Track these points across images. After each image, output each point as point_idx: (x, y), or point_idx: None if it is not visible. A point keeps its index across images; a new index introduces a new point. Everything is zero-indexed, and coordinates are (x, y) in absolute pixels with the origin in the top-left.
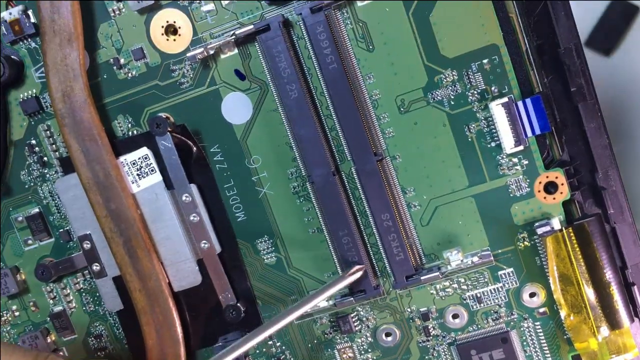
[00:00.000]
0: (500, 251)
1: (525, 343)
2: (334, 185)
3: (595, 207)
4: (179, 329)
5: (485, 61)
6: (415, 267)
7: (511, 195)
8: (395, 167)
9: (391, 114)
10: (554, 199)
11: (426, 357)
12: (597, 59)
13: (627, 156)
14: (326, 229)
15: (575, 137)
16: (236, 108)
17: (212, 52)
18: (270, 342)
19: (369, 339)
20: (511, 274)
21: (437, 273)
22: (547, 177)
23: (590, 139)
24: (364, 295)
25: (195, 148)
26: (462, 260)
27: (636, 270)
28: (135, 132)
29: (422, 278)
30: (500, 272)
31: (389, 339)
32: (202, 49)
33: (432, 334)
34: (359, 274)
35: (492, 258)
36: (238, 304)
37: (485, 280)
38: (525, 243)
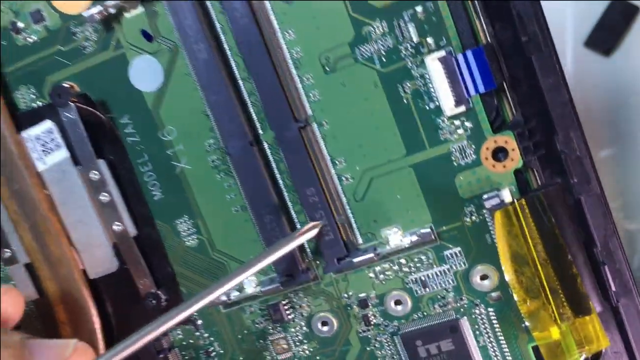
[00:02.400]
0: (445, 228)
1: (477, 332)
2: (252, 157)
3: (555, 175)
4: (96, 319)
5: (419, 9)
6: (349, 248)
7: (455, 163)
8: (322, 135)
9: (315, 74)
10: (504, 166)
11: (367, 348)
12: (597, 59)
13: (627, 156)
14: (248, 207)
15: (529, 95)
16: (145, 73)
17: (113, 11)
18: (197, 334)
19: (304, 328)
20: (459, 254)
21: (372, 254)
22: (496, 141)
23: (547, 95)
24: (291, 281)
25: (103, 120)
26: (401, 240)
27: (605, 247)
28: (39, 104)
29: (355, 260)
30: (446, 252)
31: (326, 328)
32: (101, 8)
33: (372, 322)
34: (311, 233)
35: (433, 236)
36: (158, 292)
37: (430, 261)
38: (473, 218)
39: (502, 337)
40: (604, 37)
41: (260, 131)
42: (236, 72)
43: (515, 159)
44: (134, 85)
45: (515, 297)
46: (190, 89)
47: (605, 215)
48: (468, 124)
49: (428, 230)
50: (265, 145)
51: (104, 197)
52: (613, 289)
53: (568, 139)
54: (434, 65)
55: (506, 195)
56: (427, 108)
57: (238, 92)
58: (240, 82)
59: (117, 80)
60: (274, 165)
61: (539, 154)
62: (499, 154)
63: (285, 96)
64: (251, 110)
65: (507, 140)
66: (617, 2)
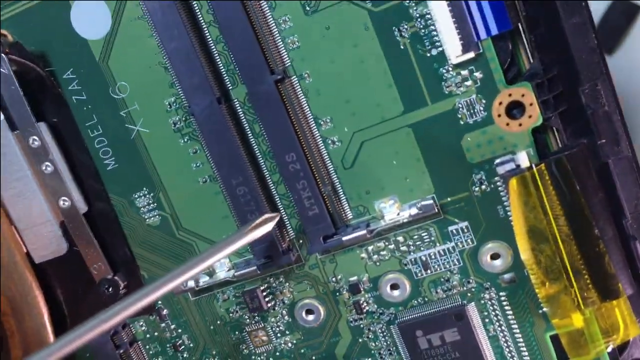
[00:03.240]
0: (449, 199)
1: (487, 320)
2: (220, 117)
3: (579, 135)
4: (44, 309)
5: None
6: (337, 225)
7: (462, 122)
8: (304, 90)
9: (294, 15)
10: (520, 125)
11: (360, 340)
12: None
13: None
14: (218, 177)
15: (550, 39)
16: (90, 17)
17: None
18: (163, 325)
19: (286, 317)
20: (466, 230)
21: (364, 231)
22: (510, 95)
23: (572, 40)
24: (270, 263)
25: (42, 75)
26: (398, 213)
27: (637, 219)
28: None
29: (344, 239)
30: (451, 228)
31: (311, 317)
32: None
33: (365, 310)
34: (268, 225)
35: (436, 209)
36: (115, 277)
37: (432, 238)
38: (483, 187)
39: (516, 326)
40: (606, 37)
41: (230, 86)
42: (199, 14)
43: (533, 116)
44: (77, 33)
45: (532, 279)
46: (144, 35)
47: (637, 181)
48: (477, 74)
49: (430, 201)
50: (237, 103)
51: (46, 168)
52: None
53: (595, 91)
54: (436, 2)
55: (523, 159)
56: (429, 55)
57: (202, 39)
58: (205, 27)
59: (57, 27)
60: (247, 126)
61: (560, 109)
62: (514, 110)
63: (258, 43)
64: (218, 60)
65: (524, 93)
66: (618, 2)
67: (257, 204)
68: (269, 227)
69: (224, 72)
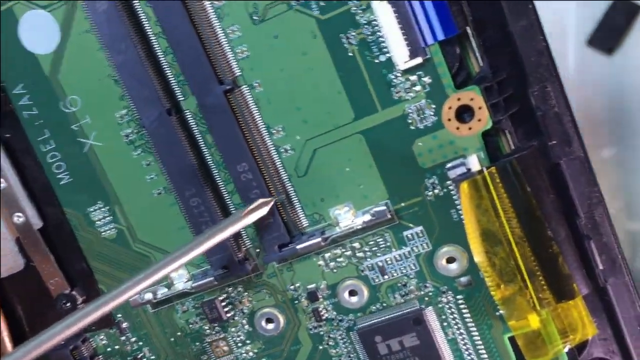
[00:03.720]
0: (403, 205)
1: (445, 324)
2: (170, 128)
3: (530, 137)
4: (4, 326)
5: None
6: (292, 233)
7: (412, 127)
8: (255, 99)
9: (242, 25)
10: (470, 129)
11: (320, 347)
12: (599, 58)
13: (629, 156)
14: (172, 188)
15: (498, 42)
16: (39, 32)
17: None
18: (123, 338)
19: (246, 327)
20: (421, 234)
21: (319, 239)
22: (459, 99)
23: (520, 43)
24: (227, 274)
25: None
26: (353, 220)
27: (590, 219)
28: None
29: (298, 247)
30: (406, 233)
31: (271, 326)
32: None
33: (324, 317)
34: (263, 210)
35: (389, 215)
36: (73, 292)
37: (388, 244)
38: (436, 192)
39: (474, 328)
40: (607, 36)
41: (181, 97)
42: (147, 25)
43: (482, 119)
44: (26, 47)
45: (488, 282)
46: (92, 49)
47: (590, 182)
48: (426, 79)
49: (383, 207)
50: (188, 114)
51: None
52: (600, 267)
53: (544, 93)
54: (382, 9)
55: (473, 163)
56: (377, 61)
57: (150, 50)
58: (153, 38)
59: (6, 41)
60: (199, 137)
61: (510, 112)
62: (464, 114)
63: (206, 53)
64: (168, 71)
65: (473, 96)
66: (619, 2)
67: (210, 214)
68: (263, 211)
69: (174, 84)
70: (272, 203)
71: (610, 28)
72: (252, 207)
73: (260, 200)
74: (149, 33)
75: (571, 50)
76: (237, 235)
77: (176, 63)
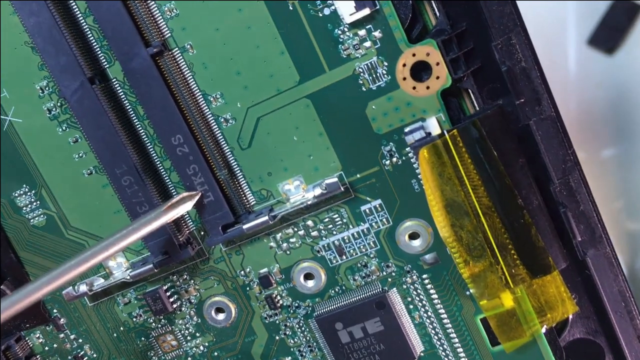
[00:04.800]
0: (359, 176)
1: (411, 306)
2: (93, 99)
3: (496, 96)
4: None
5: None
6: (237, 212)
7: (364, 89)
8: (188, 63)
9: None
10: (428, 88)
11: (277, 337)
12: (600, 57)
13: (630, 155)
14: (102, 166)
15: None
16: None
17: None
18: (61, 336)
19: (195, 318)
20: (379, 209)
21: (266, 217)
22: (414, 54)
23: None
24: (167, 260)
25: None
26: (303, 195)
27: (565, 185)
28: None
29: (245, 227)
30: (363, 208)
31: (222, 316)
32: None
33: (279, 304)
34: (188, 204)
35: (342, 187)
36: (2, 287)
37: (344, 221)
38: (394, 160)
39: (443, 310)
40: (607, 36)
41: (106, 64)
42: None
43: (441, 77)
44: None
45: (455, 258)
46: (5, 13)
47: (563, 143)
48: (376, 34)
49: (335, 179)
50: (115, 83)
51: None
52: (578, 237)
53: (509, 46)
54: None
55: (433, 126)
56: (321, 15)
57: (68, 11)
58: None
59: None
60: (129, 108)
61: (472, 68)
62: (421, 71)
63: (129, 12)
64: (90, 35)
65: (429, 51)
66: (620, 2)
67: (145, 194)
68: (188, 206)
69: (97, 49)
70: (197, 197)
71: (611, 28)
72: (173, 201)
73: (184, 194)
74: None
75: (571, 49)
76: (178, 217)
77: (97, 23)
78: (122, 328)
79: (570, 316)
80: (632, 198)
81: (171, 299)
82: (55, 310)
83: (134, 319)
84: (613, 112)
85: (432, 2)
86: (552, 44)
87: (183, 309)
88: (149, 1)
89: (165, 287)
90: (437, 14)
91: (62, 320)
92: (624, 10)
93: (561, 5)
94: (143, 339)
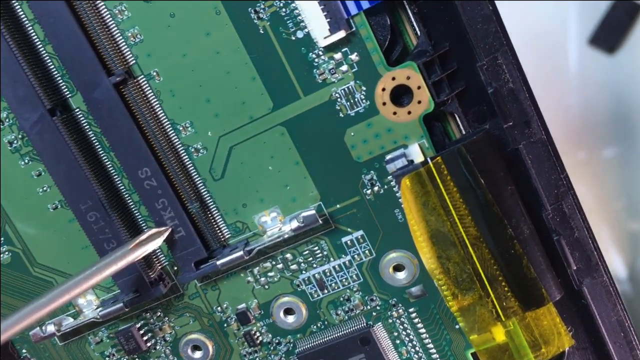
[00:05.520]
0: (339, 206)
1: (398, 341)
2: (54, 132)
3: (483, 120)
4: None
5: None
6: (210, 247)
7: (341, 115)
8: (154, 92)
9: (131, 4)
10: (409, 113)
11: None
12: (601, 57)
13: (632, 155)
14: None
15: (437, 8)
16: None
17: None
18: None
19: (170, 357)
20: (362, 240)
21: (241, 252)
22: (394, 78)
23: (462, 7)
24: (138, 298)
25: None
26: (280, 228)
27: (558, 211)
28: None
29: (218, 263)
30: (345, 239)
31: (199, 354)
32: None
33: (259, 341)
34: (157, 241)
35: (320, 220)
36: None
37: (325, 253)
38: (376, 189)
39: (431, 345)
40: (608, 36)
41: (68, 94)
42: (21, 12)
43: (423, 101)
44: None
45: (442, 292)
46: None
47: (555, 167)
48: (353, 57)
49: (312, 212)
50: (79, 113)
51: None
52: (573, 266)
53: (496, 66)
54: None
55: (415, 153)
56: (293, 38)
57: (26, 40)
58: (29, 25)
59: None
60: (94, 139)
61: (456, 91)
62: (402, 95)
63: (88, 40)
64: (50, 64)
65: (410, 74)
66: (621, 2)
67: (112, 230)
68: (157, 243)
69: (58, 78)
70: (166, 233)
71: (612, 27)
72: (141, 238)
73: (152, 230)
74: (22, 18)
75: (572, 49)
76: (148, 253)
77: (55, 52)
78: None
79: (566, 349)
80: (634, 198)
81: (145, 337)
82: (24, 351)
83: (107, 359)
84: (614, 111)
85: (413, 21)
86: (553, 44)
87: (158, 347)
88: (111, 27)
89: (138, 325)
90: (418, 33)
91: None
92: (625, 10)
93: (562, 5)
94: None
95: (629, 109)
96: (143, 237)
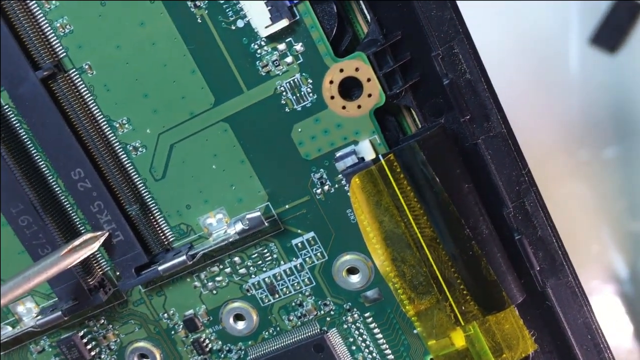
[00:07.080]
0: (288, 207)
1: (354, 347)
2: None
3: (439, 113)
4: None
5: None
6: (152, 251)
7: (287, 110)
8: (87, 86)
9: None
10: (359, 107)
11: None
12: (602, 56)
13: (633, 155)
14: None
15: None
16: None
17: None
18: None
19: None
20: (313, 242)
21: (184, 257)
22: (342, 70)
23: None
24: (76, 306)
25: None
26: (226, 230)
27: (520, 209)
28: None
29: (160, 269)
30: (295, 241)
31: None
32: None
33: (208, 348)
34: (93, 246)
35: (265, 222)
36: None
37: (275, 256)
38: (326, 188)
39: (389, 351)
40: (609, 35)
41: None
42: None
43: (373, 94)
44: None
45: (398, 295)
46: None
47: (516, 162)
48: (298, 47)
49: (257, 213)
50: (8, 110)
51: None
52: (536, 266)
53: (452, 55)
54: None
55: (366, 150)
56: (233, 28)
57: None
58: None
59: None
60: (25, 138)
61: (410, 82)
62: (352, 88)
63: (12, 31)
64: None
65: (359, 66)
66: (622, 2)
67: (46, 235)
68: (93, 248)
69: None
70: (102, 238)
71: (613, 27)
72: (74, 244)
73: (87, 235)
74: None
75: (574, 49)
76: (88, 258)
77: None
78: None
79: (530, 353)
80: (635, 198)
81: (88, 346)
82: None
83: None
84: (615, 111)
85: (363, 8)
86: (554, 44)
87: (102, 356)
88: (38, 17)
89: (81, 334)
90: (368, 21)
91: None
92: (626, 10)
93: (563, 4)
94: None
95: (630, 109)
96: (77, 242)
